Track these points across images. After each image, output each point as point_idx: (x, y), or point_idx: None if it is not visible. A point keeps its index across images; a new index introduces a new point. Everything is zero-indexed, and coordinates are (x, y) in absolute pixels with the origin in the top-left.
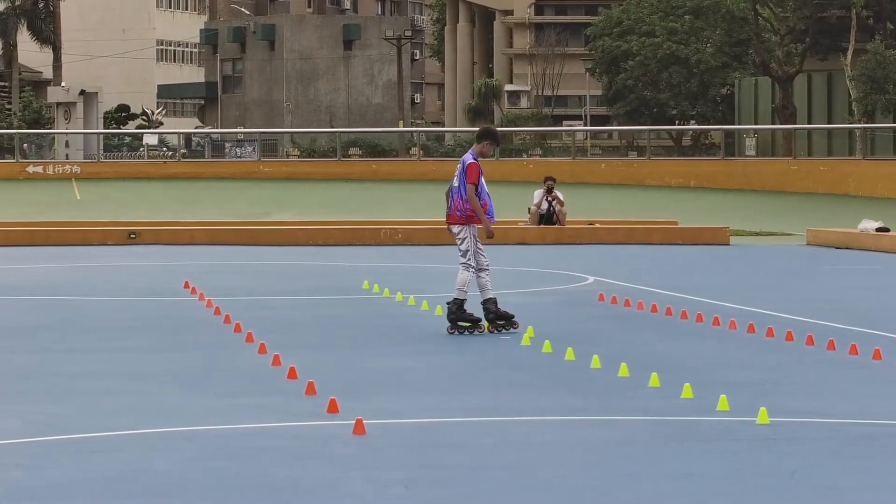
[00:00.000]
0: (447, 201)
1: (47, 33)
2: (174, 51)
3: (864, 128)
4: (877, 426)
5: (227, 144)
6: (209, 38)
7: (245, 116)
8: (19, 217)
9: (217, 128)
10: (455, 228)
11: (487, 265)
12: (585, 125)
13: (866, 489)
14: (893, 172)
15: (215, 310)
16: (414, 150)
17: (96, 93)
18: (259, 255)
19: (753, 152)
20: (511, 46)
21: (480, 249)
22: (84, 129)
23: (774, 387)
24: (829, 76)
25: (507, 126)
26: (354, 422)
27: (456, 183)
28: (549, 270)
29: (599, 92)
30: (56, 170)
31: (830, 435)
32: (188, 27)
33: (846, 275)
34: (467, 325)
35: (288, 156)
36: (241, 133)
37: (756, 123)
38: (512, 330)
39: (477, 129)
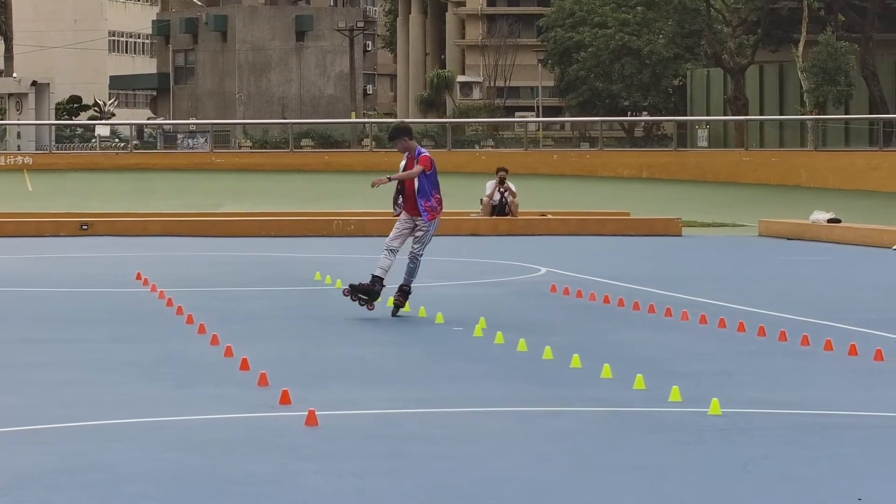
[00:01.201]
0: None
1: None
2: (126, 42)
3: (816, 119)
4: (829, 416)
5: (180, 136)
6: (161, 29)
7: (197, 107)
8: None
9: (169, 119)
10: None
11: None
12: (538, 116)
13: (820, 479)
14: (845, 164)
15: (168, 301)
16: (366, 142)
17: (48, 84)
18: (212, 246)
19: (705, 143)
20: (463, 37)
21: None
22: (36, 120)
23: (727, 377)
24: (780, 67)
25: (459, 117)
26: (307, 413)
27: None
28: (501, 261)
29: (552, 83)
30: (8, 161)
31: (783, 425)
32: (140, 18)
33: (798, 265)
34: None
35: (240, 147)
36: (194, 124)
37: (708, 115)
38: (368, 308)
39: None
